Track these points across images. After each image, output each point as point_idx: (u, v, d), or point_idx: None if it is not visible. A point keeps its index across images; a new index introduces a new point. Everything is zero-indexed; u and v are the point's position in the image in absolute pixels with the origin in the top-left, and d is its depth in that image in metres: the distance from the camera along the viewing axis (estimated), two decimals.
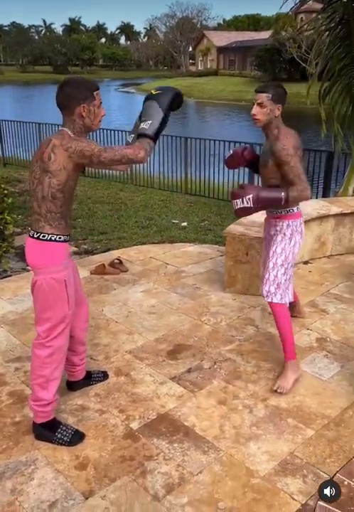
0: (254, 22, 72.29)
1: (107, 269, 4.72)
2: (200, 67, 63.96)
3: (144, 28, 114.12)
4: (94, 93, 2.36)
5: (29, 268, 4.95)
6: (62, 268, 2.41)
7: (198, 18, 72.06)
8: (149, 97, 2.47)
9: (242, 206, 2.74)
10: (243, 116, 30.13)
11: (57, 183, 2.26)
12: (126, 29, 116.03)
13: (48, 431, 2.52)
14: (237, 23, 74.54)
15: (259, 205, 2.73)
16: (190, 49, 69.96)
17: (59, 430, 2.52)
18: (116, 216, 6.89)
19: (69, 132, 2.32)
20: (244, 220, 4.39)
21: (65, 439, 2.50)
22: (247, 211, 2.77)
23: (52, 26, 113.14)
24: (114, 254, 5.19)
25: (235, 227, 4.25)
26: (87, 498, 2.19)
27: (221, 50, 60.18)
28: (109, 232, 6.09)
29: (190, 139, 9.06)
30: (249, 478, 2.30)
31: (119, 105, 37.05)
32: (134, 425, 2.65)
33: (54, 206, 2.31)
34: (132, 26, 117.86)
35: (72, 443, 2.49)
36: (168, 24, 72.16)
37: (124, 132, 9.49)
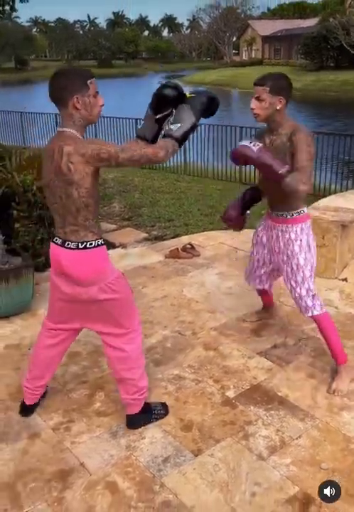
0: (299, 9, 70.65)
1: (180, 253, 4.91)
2: (244, 57, 63.29)
3: (187, 19, 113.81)
4: (88, 82, 2.21)
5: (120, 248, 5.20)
6: (112, 265, 2.42)
7: (242, 7, 71.23)
8: (183, 100, 2.36)
9: (247, 145, 2.54)
10: (292, 105, 29.71)
11: (86, 191, 2.18)
12: (169, 21, 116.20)
13: (146, 412, 2.61)
14: (282, 11, 73.12)
15: (259, 159, 2.52)
16: (234, 39, 69.26)
17: (153, 407, 2.66)
18: (179, 204, 7.06)
19: (73, 132, 2.20)
20: (318, 204, 4.47)
21: (162, 412, 2.66)
22: (246, 152, 2.53)
23: (97, 21, 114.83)
24: (184, 239, 5.37)
25: (311, 211, 4.31)
26: (196, 456, 2.38)
27: (266, 39, 59.32)
28: (175, 219, 6.28)
29: (245, 128, 9.11)
30: (348, 444, 2.43)
31: None
32: (230, 394, 2.82)
33: (90, 213, 2.25)
34: (175, 18, 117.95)
35: (167, 413, 2.66)
36: (212, 15, 71.66)
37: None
